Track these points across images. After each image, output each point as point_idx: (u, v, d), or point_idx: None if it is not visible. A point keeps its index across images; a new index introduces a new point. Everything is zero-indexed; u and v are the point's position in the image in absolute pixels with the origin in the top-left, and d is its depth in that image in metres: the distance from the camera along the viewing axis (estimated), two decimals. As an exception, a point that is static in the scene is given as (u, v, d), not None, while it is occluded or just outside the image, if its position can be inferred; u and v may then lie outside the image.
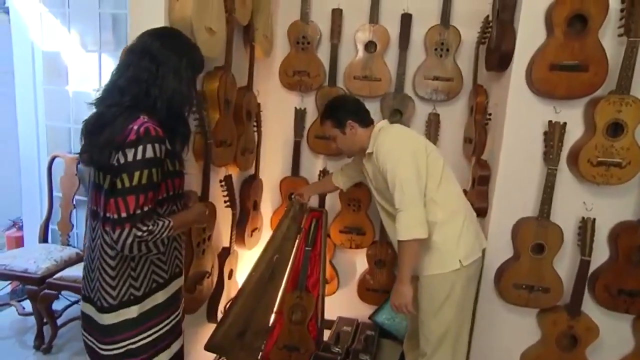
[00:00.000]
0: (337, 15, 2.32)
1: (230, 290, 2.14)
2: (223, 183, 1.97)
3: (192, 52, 1.10)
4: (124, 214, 0.94)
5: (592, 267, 1.87)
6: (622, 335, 1.96)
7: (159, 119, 1.02)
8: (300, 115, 2.48)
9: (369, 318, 2.54)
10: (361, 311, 2.61)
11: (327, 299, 2.43)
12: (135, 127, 0.95)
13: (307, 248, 2.24)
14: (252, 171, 2.38)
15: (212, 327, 1.90)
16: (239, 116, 2.04)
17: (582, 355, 1.93)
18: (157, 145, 0.97)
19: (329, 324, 2.54)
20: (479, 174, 1.99)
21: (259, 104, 2.32)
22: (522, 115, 1.83)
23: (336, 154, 2.46)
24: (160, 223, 1.01)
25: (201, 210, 1.26)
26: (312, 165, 2.57)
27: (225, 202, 1.99)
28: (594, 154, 1.75)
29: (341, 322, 2.57)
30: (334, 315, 2.63)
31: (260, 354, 2.15)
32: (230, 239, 2.06)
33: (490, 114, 1.99)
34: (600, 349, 1.95)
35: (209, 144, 1.61)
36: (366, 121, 1.73)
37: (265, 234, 2.59)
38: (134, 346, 1.06)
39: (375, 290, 2.52)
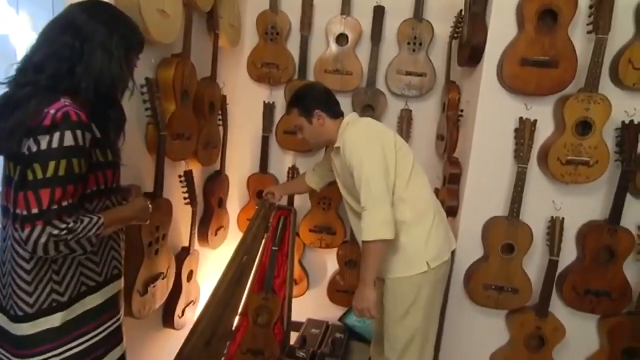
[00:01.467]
0: (307, 5, 2.23)
1: (190, 292, 2.03)
2: (182, 178, 1.85)
3: (125, 28, 0.97)
4: (34, 210, 0.82)
5: (561, 267, 1.85)
6: (587, 335, 1.95)
7: (85, 102, 0.90)
8: (268, 109, 2.39)
9: (339, 320, 2.47)
10: (331, 313, 2.54)
11: (296, 300, 2.35)
12: (52, 111, 0.83)
13: (273, 248, 2.15)
14: (217, 167, 2.28)
15: (167, 332, 1.79)
16: (201, 108, 1.93)
17: (549, 356, 1.92)
18: (78, 132, 0.85)
19: (297, 326, 2.46)
20: (450, 171, 1.94)
21: (224, 96, 2.21)
22: (493, 112, 1.80)
23: (306, 150, 2.38)
24: (86, 220, 0.89)
25: (142, 206, 1.14)
26: (281, 161, 2.48)
27: (184, 198, 1.88)
28: (563, 152, 1.73)
29: (310, 324, 2.50)
30: (304, 317, 2.55)
31: (223, 358, 2.05)
32: (190, 238, 1.95)
33: (462, 111, 1.94)
34: (566, 348, 1.94)
35: (162, 136, 1.50)
36: (335, 113, 1.63)
37: (232, 232, 2.48)
38: (57, 358, 0.95)
39: (345, 291, 2.45)
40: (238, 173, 2.48)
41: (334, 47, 2.26)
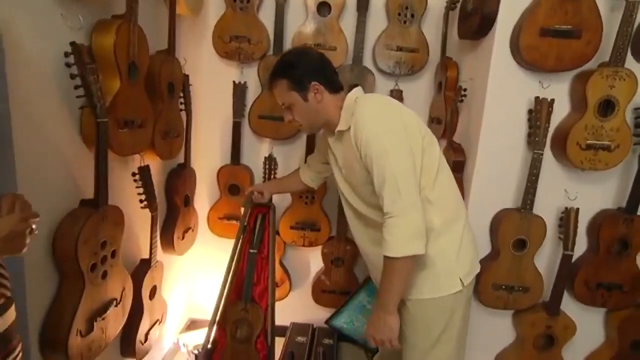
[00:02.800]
0: (282, -33, 1.80)
1: (154, 311, 1.61)
2: (137, 177, 1.41)
3: None
4: None
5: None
6: (593, 329, 1.75)
7: None
8: (240, 90, 1.95)
9: (326, 322, 2.14)
10: (316, 314, 2.21)
11: (278, 303, 1.98)
12: None
13: (251, 250, 1.76)
14: (180, 160, 1.83)
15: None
16: (157, 89, 1.48)
17: (558, 354, 1.70)
18: None
19: (281, 331, 2.10)
20: (453, 159, 1.63)
21: (186, 76, 1.76)
22: (505, 91, 1.49)
23: (284, 137, 1.97)
24: None
25: (8, 231, 0.66)
26: (256, 151, 2.07)
27: (141, 201, 1.44)
28: (583, 136, 1.46)
29: (295, 329, 2.15)
30: (287, 321, 2.20)
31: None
32: (151, 248, 1.52)
33: (465, 90, 1.62)
34: (573, 344, 1.73)
35: (102, 123, 1.05)
36: (335, 85, 1.20)
37: (202, 233, 2.07)
38: None
39: (332, 291, 2.12)
40: (206, 165, 2.05)
41: (314, 17, 1.85)
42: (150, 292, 1.56)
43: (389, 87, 1.93)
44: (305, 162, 1.61)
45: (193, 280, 2.20)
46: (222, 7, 1.86)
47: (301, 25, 1.87)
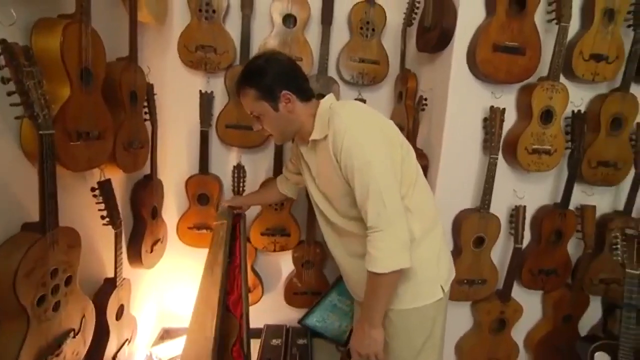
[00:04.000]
0: (247, -21, 1.59)
1: (122, 331, 1.33)
2: (97, 192, 1.14)
3: None
4: None
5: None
6: (533, 308, 1.74)
7: None
8: (206, 100, 1.71)
9: (299, 322, 1.96)
10: (288, 315, 2.02)
11: (251, 307, 1.76)
12: None
13: (224, 260, 1.53)
14: (146, 171, 1.56)
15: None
16: (118, 98, 1.22)
17: (508, 335, 1.67)
18: None
19: (255, 333, 1.89)
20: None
21: (150, 85, 1.49)
22: (463, 101, 1.41)
23: (253, 146, 1.76)
24: None
25: None
26: (224, 159, 1.83)
27: (102, 217, 1.17)
28: (530, 142, 1.42)
29: (269, 331, 1.95)
30: (261, 323, 1.99)
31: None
32: (116, 266, 1.24)
33: (426, 100, 1.52)
34: (518, 323, 1.70)
35: (46, 136, 0.79)
36: (306, 93, 1.02)
37: (172, 245, 1.79)
38: None
39: (303, 293, 1.94)
40: (174, 176, 1.78)
41: (280, 29, 1.66)
42: (117, 312, 1.28)
43: (352, 96, 1.80)
44: (284, 173, 1.41)
45: (165, 290, 1.91)
46: (188, 17, 1.62)
47: (267, 36, 1.67)
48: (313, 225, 1.86)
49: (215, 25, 1.63)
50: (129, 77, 1.27)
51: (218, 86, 1.72)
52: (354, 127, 0.91)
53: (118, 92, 1.22)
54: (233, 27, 1.65)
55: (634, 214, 1.62)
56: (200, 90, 1.70)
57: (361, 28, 1.70)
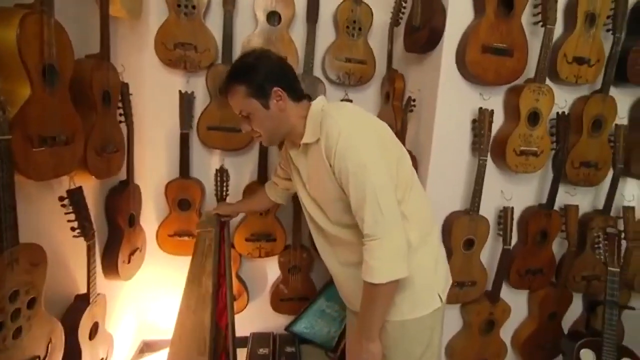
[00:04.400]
0: (229, -27, 1.51)
1: (97, 350, 1.23)
2: (66, 201, 1.03)
3: None
4: None
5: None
6: (520, 307, 1.75)
7: None
8: (186, 100, 1.61)
9: (286, 329, 1.89)
10: (275, 322, 1.95)
11: (237, 316, 1.69)
12: None
13: (208, 269, 1.44)
14: (122, 176, 1.44)
15: None
16: (89, 98, 1.11)
17: (497, 335, 1.67)
18: None
19: (241, 342, 1.81)
20: (405, 167, 1.48)
21: (125, 84, 1.38)
22: (453, 102, 1.39)
23: (236, 148, 1.67)
24: None
25: None
26: (206, 163, 1.74)
27: (73, 229, 1.06)
28: (518, 143, 1.42)
29: (255, 340, 1.87)
30: (247, 332, 1.91)
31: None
32: (88, 281, 1.14)
33: (414, 101, 1.49)
34: (506, 322, 1.71)
35: (1, 141, 0.69)
36: (297, 93, 0.97)
37: (152, 253, 1.69)
38: None
39: (290, 299, 1.87)
40: (152, 181, 1.67)
41: (264, 26, 1.59)
42: (91, 331, 1.18)
43: (339, 96, 1.75)
44: (273, 179, 1.34)
45: (144, 301, 1.80)
46: (165, 12, 1.51)
47: (251, 33, 1.59)
48: (299, 229, 1.80)
49: (195, 21, 1.53)
50: (100, 76, 1.17)
51: (199, 86, 1.63)
52: (348, 129, 0.86)
53: (89, 92, 1.11)
54: (214, 24, 1.56)
55: (612, 213, 1.65)
56: (180, 91, 1.60)
57: (347, 27, 1.65)
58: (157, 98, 1.61)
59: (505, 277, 1.61)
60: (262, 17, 1.58)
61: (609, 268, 1.51)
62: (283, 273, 1.86)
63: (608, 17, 1.45)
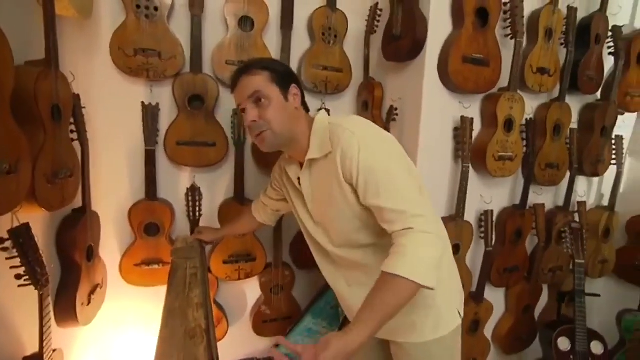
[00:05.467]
0: (195, -27, 1.35)
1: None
2: (8, 244, 0.81)
3: None
4: None
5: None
6: (498, 303, 1.80)
7: None
8: (151, 113, 1.42)
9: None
10: (258, 346, 1.81)
11: (218, 344, 1.51)
12: None
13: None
14: (77, 203, 1.21)
15: None
16: (34, 114, 0.91)
17: (482, 333, 1.70)
18: None
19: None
20: (391, 177, 1.44)
21: (76, 96, 1.16)
22: (436, 111, 1.39)
23: (209, 165, 1.49)
24: None
25: None
26: (174, 181, 1.55)
27: (18, 277, 0.84)
28: (496, 149, 1.45)
29: (238, 369, 1.70)
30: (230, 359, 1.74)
31: None
32: (41, 338, 0.91)
33: (397, 109, 1.45)
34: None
35: None
36: (305, 104, 0.94)
37: (114, 287, 1.46)
38: None
39: (274, 320, 1.74)
40: (112, 205, 1.45)
41: (235, 32, 1.45)
42: (48, 397, 0.95)
43: (316, 105, 1.67)
44: (261, 199, 1.23)
45: (108, 342, 1.54)
46: (121, 13, 1.31)
47: (221, 40, 1.45)
48: (280, 246, 1.68)
49: (158, 25, 1.35)
50: (47, 87, 0.96)
51: (164, 97, 1.44)
52: (366, 140, 0.81)
53: (33, 106, 0.91)
54: (180, 28, 1.40)
55: (571, 208, 1.78)
56: (143, 102, 1.40)
57: (323, 34, 1.58)
58: (115, 111, 1.39)
59: (487, 277, 1.64)
60: (233, 22, 1.45)
61: (576, 260, 1.61)
62: (265, 294, 1.72)
63: (562, 32, 1.55)
